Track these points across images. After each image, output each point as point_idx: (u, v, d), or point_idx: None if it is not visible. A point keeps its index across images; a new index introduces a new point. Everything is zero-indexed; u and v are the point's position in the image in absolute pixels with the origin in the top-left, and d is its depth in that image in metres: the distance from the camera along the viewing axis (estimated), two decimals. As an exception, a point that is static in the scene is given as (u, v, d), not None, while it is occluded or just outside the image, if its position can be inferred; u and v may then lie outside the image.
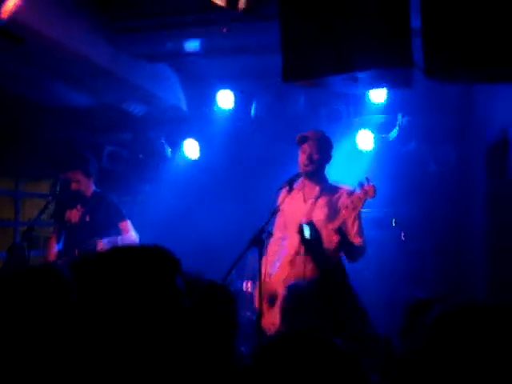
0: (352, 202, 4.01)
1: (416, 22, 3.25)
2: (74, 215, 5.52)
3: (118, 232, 5.40)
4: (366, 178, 3.93)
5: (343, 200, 4.23)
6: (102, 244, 5.19)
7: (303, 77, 3.28)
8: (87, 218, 5.44)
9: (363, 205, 4.03)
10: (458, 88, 5.75)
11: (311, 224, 3.10)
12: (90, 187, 5.55)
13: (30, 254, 5.08)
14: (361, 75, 3.24)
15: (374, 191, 3.88)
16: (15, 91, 5.69)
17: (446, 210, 6.22)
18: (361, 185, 3.94)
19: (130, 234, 5.41)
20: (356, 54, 3.06)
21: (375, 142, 6.29)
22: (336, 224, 4.06)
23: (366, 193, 3.93)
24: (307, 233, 3.04)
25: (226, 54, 5.27)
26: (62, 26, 4.41)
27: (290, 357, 1.44)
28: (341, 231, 4.07)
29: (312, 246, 3.05)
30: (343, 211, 4.10)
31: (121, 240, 5.30)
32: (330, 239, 4.07)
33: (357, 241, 4.27)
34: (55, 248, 5.55)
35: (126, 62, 5.20)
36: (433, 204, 6.28)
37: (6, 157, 6.37)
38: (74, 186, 5.44)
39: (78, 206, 5.52)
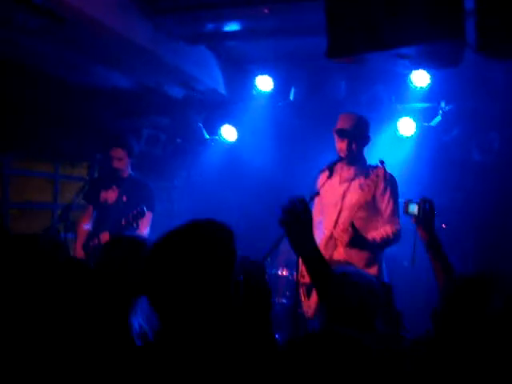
0: (367, 185, 3.98)
1: (467, 3, 3.13)
2: (110, 195, 5.52)
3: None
4: (380, 161, 3.92)
5: (361, 183, 4.20)
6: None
7: (350, 52, 3.16)
8: (124, 199, 5.44)
9: (376, 188, 4.02)
10: (504, 73, 5.58)
11: (419, 201, 3.04)
12: (127, 169, 5.55)
13: (66, 236, 5.09)
14: (407, 52, 3.13)
15: (386, 174, 3.90)
16: (54, 74, 5.71)
17: (489, 200, 6.03)
18: (374, 167, 3.95)
19: (146, 231, 5.22)
20: (405, 27, 2.95)
21: (417, 129, 6.15)
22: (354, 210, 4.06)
23: (377, 175, 3.89)
24: (411, 209, 3.00)
25: (266, 36, 5.17)
26: (100, 4, 4.39)
27: (316, 354, 1.50)
28: (353, 226, 4.04)
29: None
30: (359, 194, 4.10)
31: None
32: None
33: (388, 226, 4.23)
34: (85, 228, 5.55)
35: (165, 42, 5.16)
36: (475, 194, 6.10)
37: (45, 140, 6.42)
38: (115, 163, 5.44)
39: (114, 187, 5.52)
